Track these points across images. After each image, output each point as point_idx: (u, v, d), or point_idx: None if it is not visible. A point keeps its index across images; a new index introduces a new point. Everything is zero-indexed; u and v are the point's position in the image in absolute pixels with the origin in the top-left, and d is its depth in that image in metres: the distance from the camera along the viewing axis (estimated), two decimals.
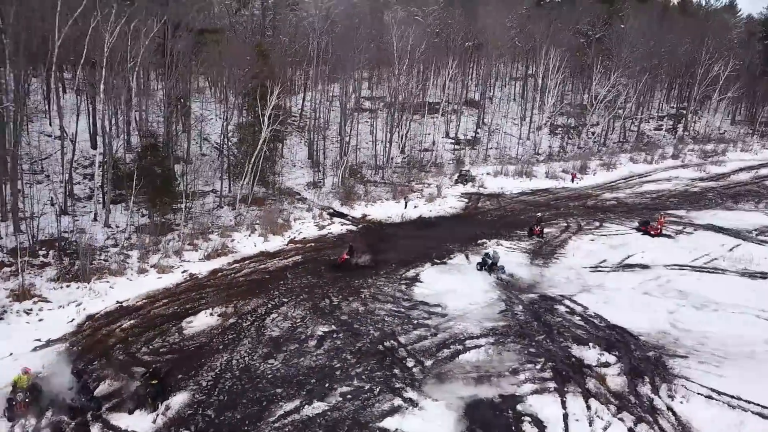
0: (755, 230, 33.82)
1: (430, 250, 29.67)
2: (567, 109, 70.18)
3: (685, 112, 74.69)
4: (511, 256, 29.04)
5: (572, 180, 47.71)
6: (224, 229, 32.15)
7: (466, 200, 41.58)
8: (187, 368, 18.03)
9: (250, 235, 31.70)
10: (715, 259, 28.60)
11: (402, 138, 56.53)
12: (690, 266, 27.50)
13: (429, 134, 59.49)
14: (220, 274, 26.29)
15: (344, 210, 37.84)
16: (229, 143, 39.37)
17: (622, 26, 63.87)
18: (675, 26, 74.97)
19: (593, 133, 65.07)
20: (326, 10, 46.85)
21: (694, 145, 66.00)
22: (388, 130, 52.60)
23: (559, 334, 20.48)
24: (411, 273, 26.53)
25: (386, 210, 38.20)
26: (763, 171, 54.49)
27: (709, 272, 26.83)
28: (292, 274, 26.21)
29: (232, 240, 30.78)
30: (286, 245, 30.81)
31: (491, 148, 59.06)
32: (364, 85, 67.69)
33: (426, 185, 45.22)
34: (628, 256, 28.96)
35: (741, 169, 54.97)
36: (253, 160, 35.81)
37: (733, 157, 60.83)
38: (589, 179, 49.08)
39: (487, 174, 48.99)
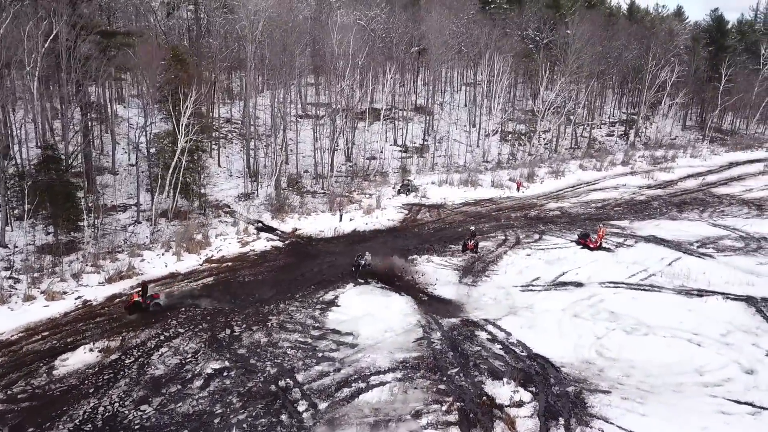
0: (696, 242, 32.83)
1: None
2: (517, 115, 69.38)
3: (636, 117, 74.73)
4: (441, 274, 27.32)
5: (517, 189, 46.45)
6: (135, 247, 29.62)
7: (406, 211, 39.81)
8: (43, 419, 15.61)
9: (163, 254, 29.24)
10: (653, 275, 27.34)
11: (347, 145, 54.63)
12: (625, 284, 26.15)
13: (376, 142, 57.73)
14: (118, 300, 23.78)
15: (274, 224, 35.63)
16: (149, 153, 36.80)
17: (569, 32, 63.26)
18: (622, 32, 75.04)
19: (544, 140, 64.27)
20: (259, 14, 44.42)
21: (645, 151, 65.83)
22: (330, 137, 50.54)
23: (475, 366, 18.69)
24: (329, 295, 24.51)
25: (319, 223, 36.11)
26: (711, 177, 54.30)
27: (644, 290, 25.51)
28: (196, 299, 23.87)
29: (142, 260, 28.29)
30: (201, 265, 28.45)
31: (439, 155, 57.60)
32: (311, 91, 65.77)
33: (367, 195, 43.34)
34: (563, 273, 27.49)
35: (689, 176, 54.67)
36: (171, 171, 33.33)
37: (682, 164, 60.67)
38: (535, 188, 47.90)
39: (432, 183, 47.39)
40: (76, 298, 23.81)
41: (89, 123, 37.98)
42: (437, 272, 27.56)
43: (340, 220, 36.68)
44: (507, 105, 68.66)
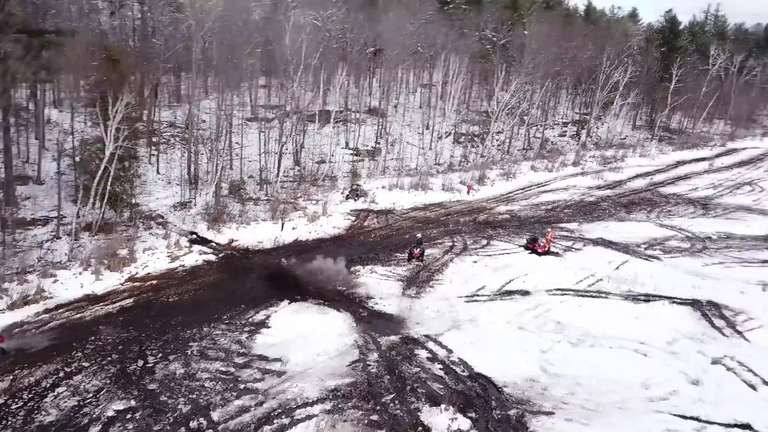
0: (644, 244, 32.32)
1: (291, 283, 25.87)
2: (471, 116, 68.66)
3: (588, 118, 75.08)
4: (384, 286, 25.79)
5: (468, 192, 45.42)
6: (49, 266, 27.05)
7: (353, 218, 38.17)
8: None
9: (80, 273, 26.74)
10: (600, 280, 26.50)
11: (296, 149, 52.62)
12: (573, 290, 25.19)
13: (326, 145, 55.91)
14: (17, 330, 21.31)
15: (209, 235, 33.43)
16: (75, 162, 34.16)
17: (526, 32, 62.90)
18: (578, 33, 75.37)
19: (497, 141, 63.66)
20: (206, 13, 42.22)
21: (596, 151, 66.01)
22: (278, 140, 48.49)
23: (412, 391, 17.19)
24: (260, 315, 22.65)
25: (259, 233, 34.11)
26: (658, 177, 54.62)
27: (592, 297, 24.60)
28: (111, 325, 21.64)
29: (55, 281, 25.76)
30: (122, 284, 26.10)
31: (391, 159, 56.17)
32: (262, 93, 63.43)
33: (313, 202, 41.51)
34: (510, 281, 26.36)
35: (637, 176, 54.85)
36: (97, 180, 30.81)
37: (631, 163, 61.00)
38: (486, 190, 46.98)
39: (382, 188, 45.90)
40: None
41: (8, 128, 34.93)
42: (380, 284, 26.03)
43: (282, 229, 34.79)
44: (461, 106, 67.86)
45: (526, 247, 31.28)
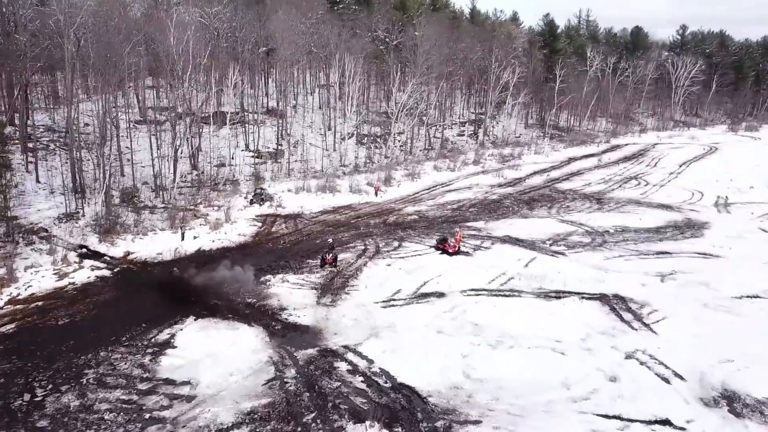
0: (549, 240, 33.74)
1: (196, 297, 24.26)
2: (372, 117, 68.85)
3: (483, 117, 77.89)
4: (297, 296, 24.83)
5: (375, 194, 45.33)
6: None
7: (260, 224, 36.72)
8: None
9: None
10: (512, 278, 27.20)
11: (192, 153, 49.90)
12: (486, 290, 25.64)
13: (225, 147, 53.58)
14: None
15: (101, 248, 30.70)
16: None
17: (416, 33, 63.93)
18: (466, 35, 77.92)
19: (399, 142, 64.30)
20: (75, 7, 38.65)
21: (494, 149, 68.61)
22: (171, 143, 45.68)
23: (334, 408, 16.52)
24: (164, 335, 20.93)
25: (158, 244, 31.83)
26: (554, 173, 57.59)
27: (505, 296, 25.15)
28: None
29: None
30: (1, 307, 23.17)
31: (295, 161, 54.94)
32: (151, 94, 59.57)
33: (215, 208, 39.51)
34: (424, 283, 26.38)
35: (535, 173, 57.52)
36: None
37: (528, 161, 63.97)
38: (393, 191, 47.17)
39: (288, 191, 44.70)
40: None
41: None
42: (293, 294, 25.04)
43: (182, 239, 32.69)
44: (361, 107, 67.85)
45: (437, 248, 31.56)
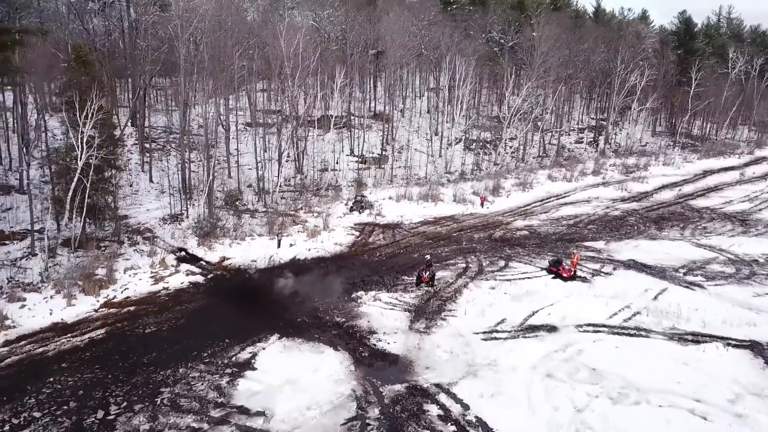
0: (682, 268, 29.00)
1: (283, 311, 22.92)
2: (482, 122, 65.56)
3: (605, 123, 71.72)
4: (388, 318, 22.69)
5: (481, 204, 42.23)
6: (19, 289, 24.28)
7: (357, 233, 35.15)
8: None
9: (52, 297, 23.94)
10: (638, 313, 23.25)
11: (298, 156, 49.74)
12: (607, 327, 21.96)
13: (330, 152, 53.04)
14: None
15: (199, 252, 30.55)
16: (51, 171, 31.34)
17: (534, 34, 59.78)
18: (589, 35, 72.12)
19: (510, 148, 60.52)
20: (192, 12, 39.55)
21: (616, 159, 62.62)
22: (278, 147, 45.65)
23: None
24: (245, 353, 19.63)
25: (254, 250, 31.18)
26: (687, 188, 51.09)
27: (630, 335, 21.36)
28: (74, 362, 18.74)
29: (23, 305, 22.98)
30: (96, 311, 23.23)
31: (399, 166, 53.18)
32: (262, 98, 60.62)
33: (315, 214, 38.55)
34: (533, 313, 23.18)
35: (664, 186, 51.37)
36: (71, 192, 27.95)
37: (655, 172, 57.54)
38: (501, 202, 43.79)
39: (389, 198, 42.90)
40: None
41: None
42: (384, 315, 22.93)
43: (279, 246, 31.82)
44: (471, 111, 64.83)
45: (549, 271, 28.10)
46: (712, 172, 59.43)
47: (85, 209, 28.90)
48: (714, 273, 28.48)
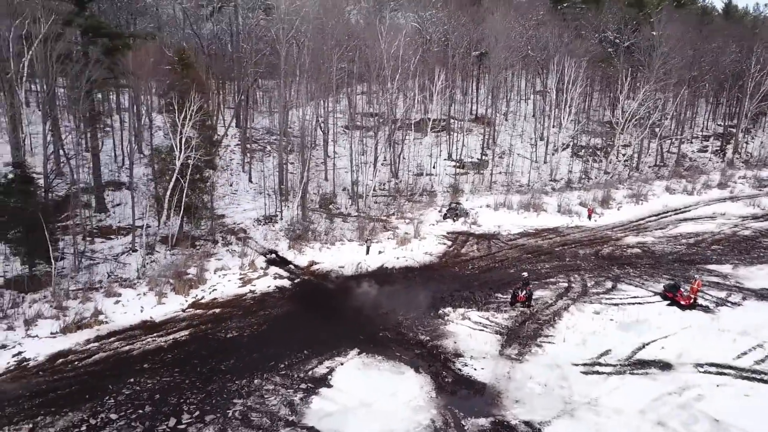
0: None
1: (366, 324, 21.85)
2: (592, 127, 61.19)
3: (734, 131, 64.45)
4: (477, 340, 20.90)
5: (588, 217, 38.92)
6: (116, 284, 25.15)
7: (449, 243, 33.48)
8: None
9: (144, 294, 24.55)
10: None
11: (394, 160, 48.89)
12: (734, 368, 18.77)
13: (428, 155, 51.68)
14: (61, 361, 19.06)
15: (289, 255, 30.35)
16: (154, 170, 32.52)
17: (654, 33, 54.73)
18: (717, 34, 65.06)
19: (623, 156, 55.90)
20: (292, 14, 39.94)
21: (747, 171, 55.85)
22: (375, 150, 45.05)
23: None
24: (322, 368, 18.72)
25: (343, 255, 30.53)
26: None
27: (762, 381, 18.06)
28: (155, 364, 18.79)
29: (116, 301, 23.70)
30: (184, 310, 23.48)
31: (499, 172, 50.71)
32: (362, 100, 60.54)
33: (407, 221, 37.34)
34: (644, 345, 20.39)
35: None
36: (169, 191, 28.75)
37: None
38: (611, 215, 40.13)
39: (486, 206, 40.76)
40: (13, 355, 19.30)
41: (94, 133, 34.23)
42: (473, 336, 21.16)
43: (367, 252, 30.92)
44: (580, 116, 60.70)
45: (665, 297, 24.85)
46: None
47: (182, 208, 29.67)
48: None
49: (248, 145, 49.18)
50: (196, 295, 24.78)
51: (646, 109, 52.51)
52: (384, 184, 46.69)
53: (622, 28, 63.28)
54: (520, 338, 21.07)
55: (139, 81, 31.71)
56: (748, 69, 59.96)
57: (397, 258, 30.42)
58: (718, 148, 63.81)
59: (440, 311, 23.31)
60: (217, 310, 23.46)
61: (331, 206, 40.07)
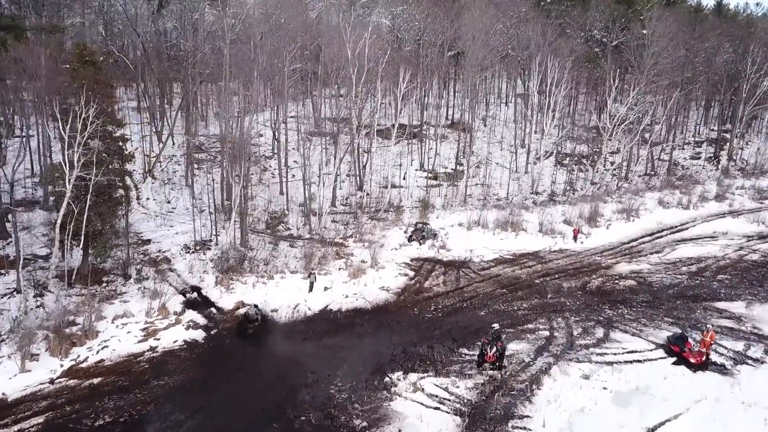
0: None
1: (286, 399, 16.63)
2: (578, 133, 56.54)
3: (728, 136, 60.18)
4: (430, 425, 15.76)
5: (574, 238, 34.00)
6: None
7: (413, 272, 28.37)
8: None
9: (9, 357, 19.03)
10: None
11: (358, 171, 43.73)
12: None
13: (399, 166, 46.58)
14: None
15: (214, 293, 24.99)
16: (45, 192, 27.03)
17: (644, 31, 50.18)
18: (710, 33, 60.77)
19: (611, 164, 51.26)
20: (238, 9, 34.76)
21: (744, 180, 51.44)
22: (334, 161, 39.89)
23: None
24: None
25: (281, 292, 25.25)
26: None
27: None
28: None
29: None
30: (54, 380, 18.04)
31: (476, 184, 45.73)
32: (326, 105, 55.19)
33: (366, 243, 32.10)
34: (652, 430, 15.37)
35: None
36: (59, 219, 23.28)
37: None
38: (600, 235, 35.23)
39: (459, 225, 35.74)
40: None
41: None
42: (424, 420, 16.03)
43: (311, 289, 25.60)
44: (565, 120, 55.97)
45: (670, 351, 19.97)
46: None
47: (84, 237, 24.17)
48: None
49: (195, 155, 43.81)
50: (78, 357, 19.35)
51: (637, 113, 47.90)
52: (347, 199, 41.54)
53: (610, 27, 58.79)
54: (486, 421, 15.95)
55: (32, 82, 26.17)
56: (744, 70, 55.75)
57: (346, 296, 25.15)
58: (712, 155, 59.45)
59: (387, 378, 18.14)
60: (97, 380, 18.06)
61: (280, 227, 34.79)
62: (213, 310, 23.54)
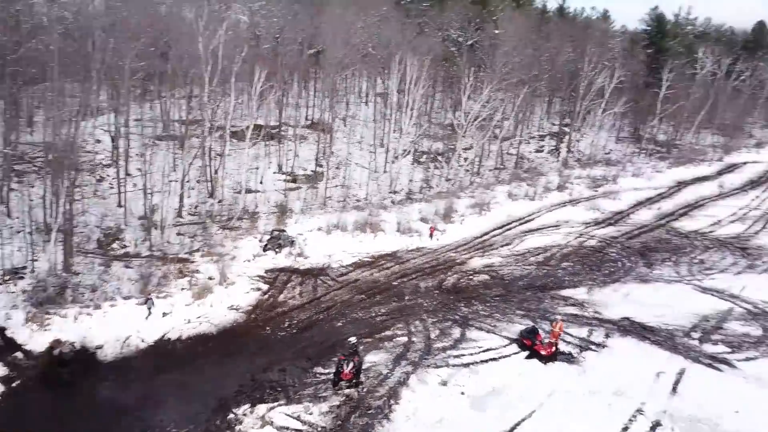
0: (694, 330, 21.55)
1: None
2: (434, 130, 57.65)
3: (568, 129, 65.01)
4: None
5: (430, 236, 34.04)
6: None
7: (266, 286, 26.36)
8: None
9: None
10: (658, 425, 15.46)
11: (210, 176, 40.57)
12: None
13: (255, 169, 43.94)
14: None
15: (23, 334, 21.07)
16: None
17: (497, 31, 52.43)
18: (554, 34, 65.36)
19: (465, 160, 52.80)
20: None
21: (581, 170, 55.66)
22: (182, 164, 36.50)
23: None
24: None
25: (110, 323, 21.95)
26: (666, 205, 44.24)
27: None
28: None
29: None
30: None
31: (336, 186, 44.56)
32: (177, 106, 50.80)
33: (215, 258, 29.44)
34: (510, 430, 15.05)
35: (639, 204, 44.44)
36: None
37: (625, 185, 50.76)
38: (454, 231, 35.62)
39: (318, 230, 34.27)
40: None
41: None
42: None
43: (149, 315, 22.66)
44: (422, 119, 56.80)
45: (522, 344, 20.11)
46: (685, 183, 53.02)
47: None
48: (737, 337, 21.15)
49: (15, 167, 37.79)
50: None
51: (489, 110, 49.67)
52: (196, 207, 38.25)
53: (465, 27, 60.72)
54: None
55: None
56: (582, 68, 60.30)
57: (189, 321, 22.53)
58: (554, 148, 63.83)
59: (231, 414, 16.10)
60: None
61: (114, 244, 30.91)
62: (19, 354, 19.74)
